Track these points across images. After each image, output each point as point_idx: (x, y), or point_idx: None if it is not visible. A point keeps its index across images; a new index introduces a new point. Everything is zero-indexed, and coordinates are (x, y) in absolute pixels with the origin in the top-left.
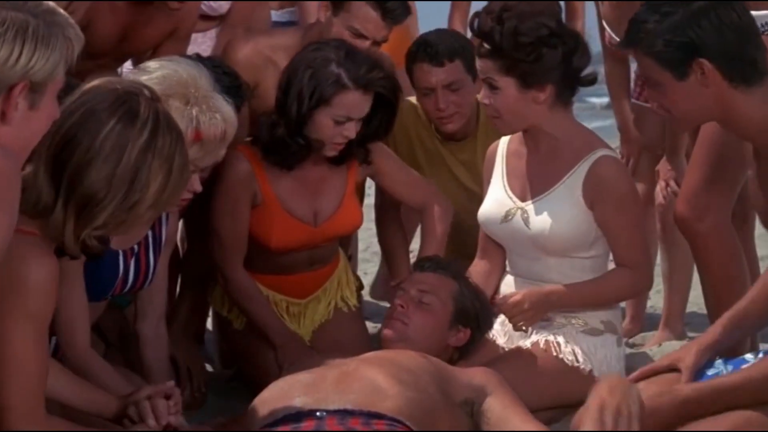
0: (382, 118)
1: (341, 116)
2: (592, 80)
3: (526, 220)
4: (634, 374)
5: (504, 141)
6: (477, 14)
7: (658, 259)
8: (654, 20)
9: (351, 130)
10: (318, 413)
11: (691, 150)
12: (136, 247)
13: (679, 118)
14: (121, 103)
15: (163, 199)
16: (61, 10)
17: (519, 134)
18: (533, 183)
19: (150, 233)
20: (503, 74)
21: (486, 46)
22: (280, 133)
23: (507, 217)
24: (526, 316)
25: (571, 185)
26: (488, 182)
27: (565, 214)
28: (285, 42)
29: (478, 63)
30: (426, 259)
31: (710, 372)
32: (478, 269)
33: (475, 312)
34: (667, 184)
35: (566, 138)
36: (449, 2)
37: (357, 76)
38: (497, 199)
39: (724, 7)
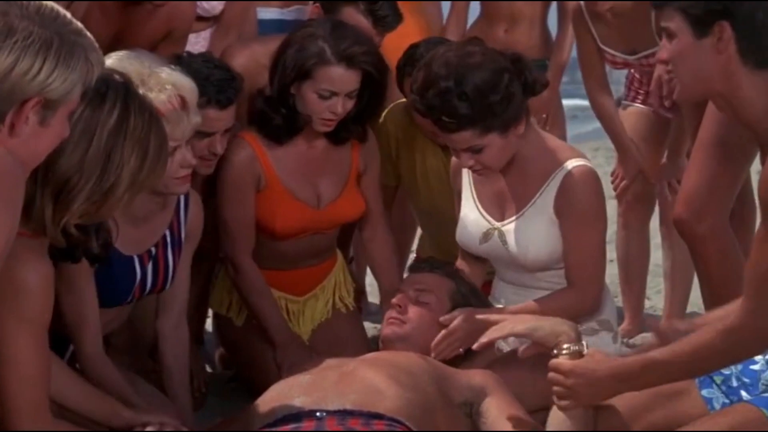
0: (371, 96)
1: (325, 90)
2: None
3: (504, 242)
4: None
5: None
6: (417, 97)
7: (658, 260)
8: None
9: (337, 106)
10: (318, 413)
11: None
12: (153, 249)
13: (682, 79)
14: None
15: (140, 181)
16: (88, 33)
17: None
18: (506, 203)
19: (168, 233)
20: (484, 135)
21: (452, 120)
22: (262, 106)
23: (486, 237)
24: (454, 345)
25: (543, 203)
26: (458, 194)
27: (540, 233)
28: None
29: (451, 139)
30: (421, 261)
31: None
32: (461, 269)
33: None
34: (670, 184)
35: (535, 156)
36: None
37: (339, 50)
38: (473, 220)
39: None
